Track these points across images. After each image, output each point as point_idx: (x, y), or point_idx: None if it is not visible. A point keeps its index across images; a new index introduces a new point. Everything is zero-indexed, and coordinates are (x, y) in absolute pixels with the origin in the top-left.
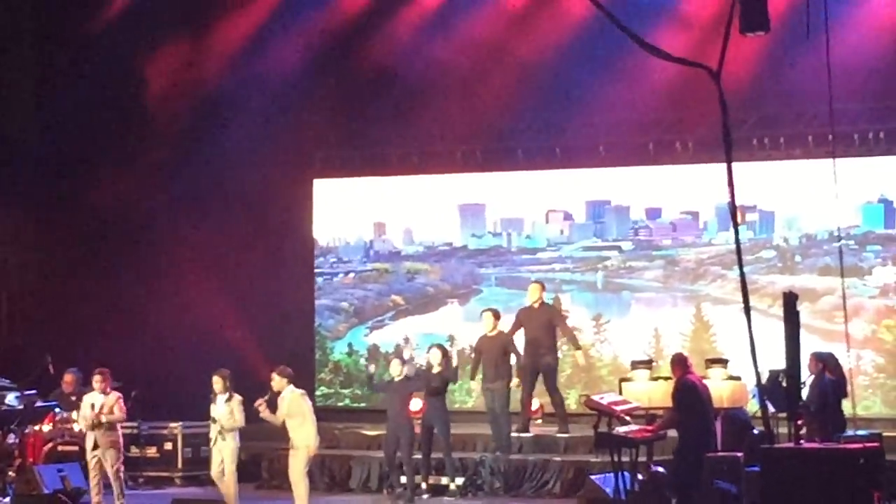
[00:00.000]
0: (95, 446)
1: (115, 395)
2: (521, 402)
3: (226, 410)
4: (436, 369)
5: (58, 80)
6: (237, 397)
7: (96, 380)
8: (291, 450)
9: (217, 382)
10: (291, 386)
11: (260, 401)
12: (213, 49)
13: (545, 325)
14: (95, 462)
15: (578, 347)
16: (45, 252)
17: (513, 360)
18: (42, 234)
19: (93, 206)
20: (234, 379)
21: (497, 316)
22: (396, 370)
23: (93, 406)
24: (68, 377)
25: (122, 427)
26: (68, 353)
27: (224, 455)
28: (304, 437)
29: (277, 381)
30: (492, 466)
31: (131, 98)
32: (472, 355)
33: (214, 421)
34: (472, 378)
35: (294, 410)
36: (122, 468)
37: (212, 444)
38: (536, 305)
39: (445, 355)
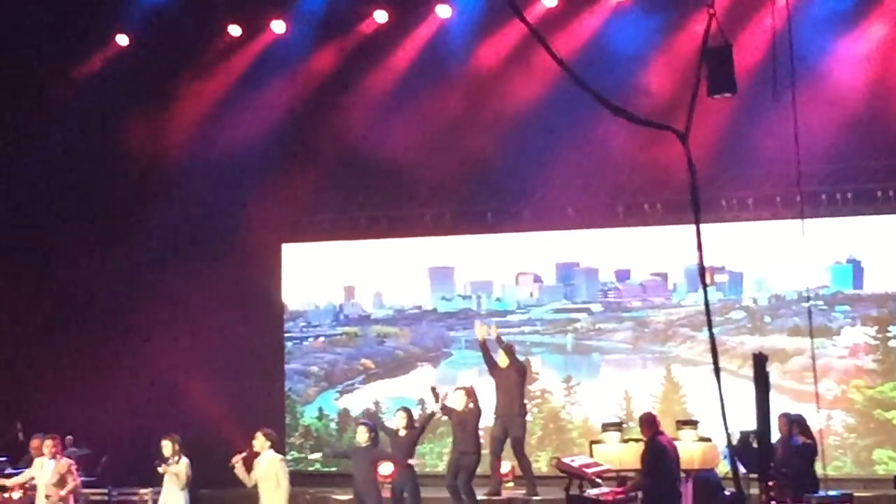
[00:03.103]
0: None
1: (66, 461)
2: (490, 466)
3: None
4: (401, 433)
5: (22, 146)
6: (185, 460)
7: (47, 445)
8: None
9: (166, 447)
10: (272, 450)
11: (238, 457)
12: (181, 116)
13: (514, 386)
14: None
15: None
16: (13, 318)
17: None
18: (9, 300)
19: (60, 271)
20: (184, 443)
21: (469, 394)
22: (363, 437)
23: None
24: (35, 442)
25: (93, 494)
26: (39, 420)
27: None
28: (274, 503)
29: (260, 442)
30: None
31: (97, 164)
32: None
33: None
34: None
35: (269, 474)
36: None
37: None
38: (505, 367)
39: (411, 418)
